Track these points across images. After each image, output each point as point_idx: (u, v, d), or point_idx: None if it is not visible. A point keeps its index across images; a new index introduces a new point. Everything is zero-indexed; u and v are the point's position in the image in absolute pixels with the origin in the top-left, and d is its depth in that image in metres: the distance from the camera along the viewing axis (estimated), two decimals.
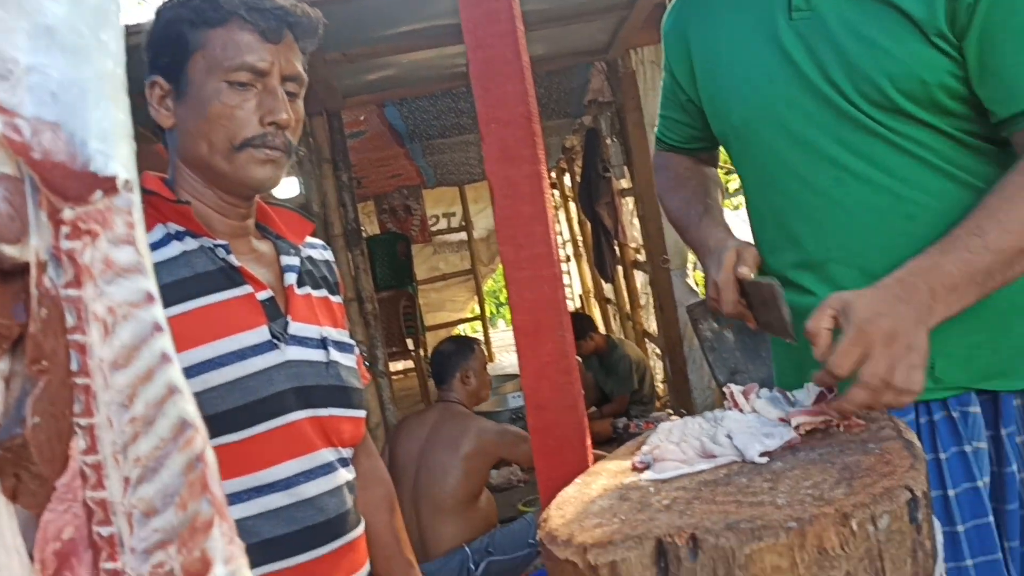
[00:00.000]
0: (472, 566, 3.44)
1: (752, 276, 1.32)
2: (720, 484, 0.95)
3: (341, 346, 1.38)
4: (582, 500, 0.99)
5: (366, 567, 1.37)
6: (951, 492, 1.34)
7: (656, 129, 1.72)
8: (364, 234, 6.67)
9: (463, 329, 10.53)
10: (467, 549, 3.46)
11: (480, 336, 10.62)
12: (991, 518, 1.34)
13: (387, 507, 1.54)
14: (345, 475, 1.34)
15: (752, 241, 1.48)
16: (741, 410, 1.15)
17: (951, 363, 1.33)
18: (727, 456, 1.03)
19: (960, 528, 1.33)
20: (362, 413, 1.39)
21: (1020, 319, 1.33)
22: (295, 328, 1.31)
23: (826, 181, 1.34)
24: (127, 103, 0.50)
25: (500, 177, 1.18)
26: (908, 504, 0.84)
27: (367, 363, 4.69)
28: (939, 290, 1.12)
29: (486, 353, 3.96)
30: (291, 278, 1.35)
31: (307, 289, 1.38)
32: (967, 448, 1.35)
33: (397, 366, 8.90)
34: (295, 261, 1.38)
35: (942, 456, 1.34)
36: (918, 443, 0.96)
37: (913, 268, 1.15)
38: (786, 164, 1.38)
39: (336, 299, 1.46)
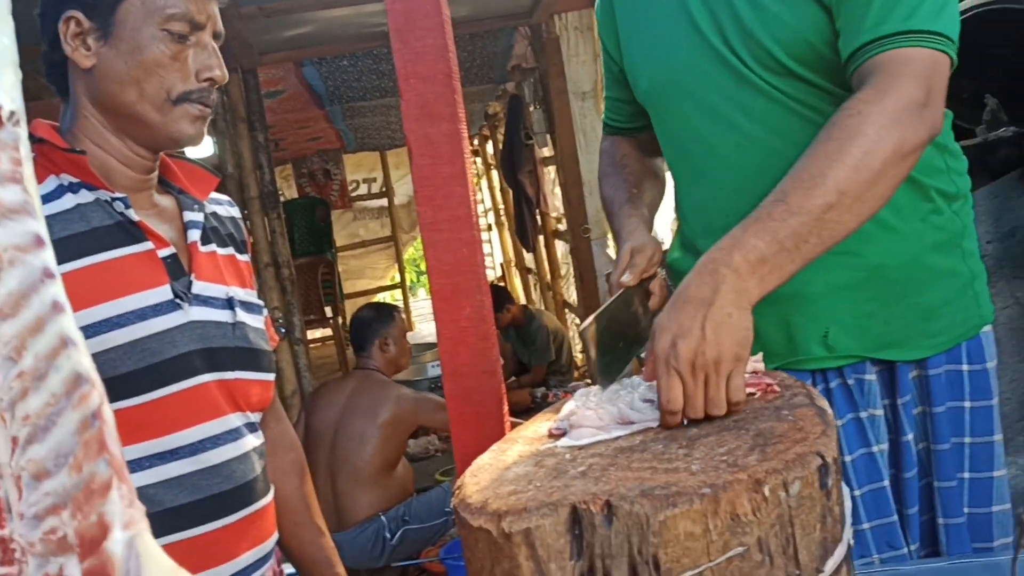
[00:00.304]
0: (388, 535, 3.43)
1: (632, 283, 1.30)
2: (636, 451, 0.95)
3: (248, 306, 1.34)
4: (497, 467, 0.98)
5: (274, 536, 1.34)
6: (847, 458, 1.38)
7: (603, 113, 1.72)
8: (282, 198, 6.54)
9: (383, 297, 10.44)
10: (383, 518, 3.44)
11: (400, 304, 10.56)
12: (887, 483, 1.39)
13: (297, 473, 1.50)
14: (253, 440, 1.30)
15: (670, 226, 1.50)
16: None
17: (843, 332, 1.37)
18: (645, 421, 1.03)
19: (857, 492, 1.38)
20: (271, 376, 1.35)
21: (913, 290, 1.37)
22: (199, 287, 1.26)
23: (727, 146, 1.36)
24: (11, 27, 0.46)
25: (419, 135, 1.15)
26: (819, 470, 0.85)
27: (283, 330, 4.62)
28: (743, 267, 1.05)
29: (406, 321, 3.92)
30: (195, 235, 1.30)
31: (212, 247, 1.33)
32: (862, 415, 1.39)
33: (315, 334, 8.81)
34: (199, 217, 1.33)
35: (838, 423, 1.38)
36: (830, 410, 0.97)
37: (712, 252, 1.08)
38: (693, 130, 1.40)
39: (243, 258, 1.41)
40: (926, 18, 1.15)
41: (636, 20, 1.47)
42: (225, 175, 4.44)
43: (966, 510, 1.42)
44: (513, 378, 5.92)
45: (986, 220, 2.41)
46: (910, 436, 1.41)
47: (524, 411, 4.94)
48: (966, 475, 1.42)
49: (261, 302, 1.39)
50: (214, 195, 1.42)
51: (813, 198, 1.07)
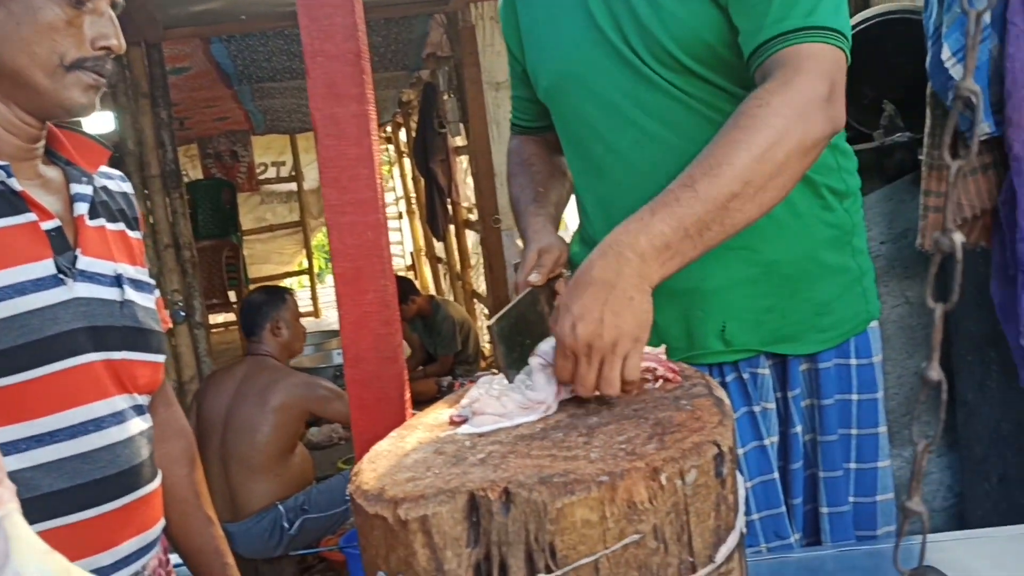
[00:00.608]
0: (286, 524, 3.36)
1: (539, 283, 1.30)
2: (536, 438, 0.95)
3: (138, 285, 1.28)
4: (396, 454, 0.96)
5: (160, 523, 1.29)
6: (740, 451, 1.41)
7: (510, 113, 1.71)
8: (186, 178, 6.35)
9: (290, 283, 10.27)
10: (280, 507, 3.36)
11: (307, 291, 10.40)
12: (776, 475, 1.43)
13: (186, 460, 1.45)
14: (140, 424, 1.25)
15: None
16: None
17: (740, 327, 1.40)
18: (543, 395, 1.04)
19: (748, 484, 1.41)
20: (161, 358, 1.30)
21: (808, 286, 1.40)
22: (85, 263, 1.20)
23: (626, 143, 1.37)
24: None
25: (325, 115, 1.13)
26: (715, 459, 0.86)
27: (182, 313, 4.49)
28: (649, 251, 1.05)
29: (298, 303, 3.80)
30: (82, 208, 1.24)
31: (101, 221, 1.27)
32: (755, 408, 1.43)
33: (218, 319, 8.61)
34: (87, 190, 1.26)
35: None
36: (727, 400, 0.98)
37: (619, 233, 1.08)
38: (592, 127, 1.41)
39: (135, 234, 1.35)
40: (826, 15, 1.17)
41: (537, 18, 1.47)
42: (125, 152, 4.28)
43: (852, 499, 1.47)
44: (420, 368, 5.90)
45: (880, 222, 2.49)
46: (799, 428, 1.45)
47: (430, 400, 4.86)
48: (852, 465, 1.47)
49: (152, 281, 1.34)
50: (105, 169, 1.36)
51: (720, 186, 1.08)
